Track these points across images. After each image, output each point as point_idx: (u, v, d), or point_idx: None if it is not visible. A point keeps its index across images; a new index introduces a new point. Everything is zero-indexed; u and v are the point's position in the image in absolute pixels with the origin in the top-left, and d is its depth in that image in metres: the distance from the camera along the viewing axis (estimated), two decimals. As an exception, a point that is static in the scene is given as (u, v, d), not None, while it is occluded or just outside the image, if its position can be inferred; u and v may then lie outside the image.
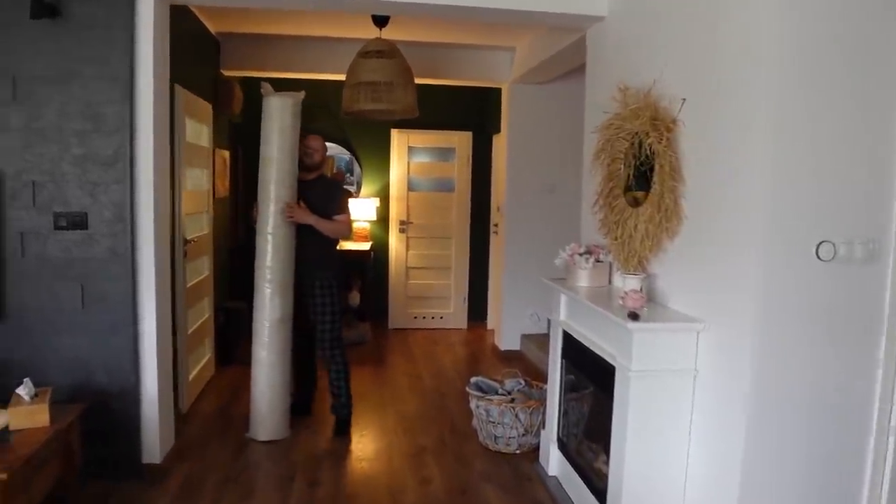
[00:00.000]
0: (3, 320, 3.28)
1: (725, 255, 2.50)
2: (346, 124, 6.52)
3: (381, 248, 7.03)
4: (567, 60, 4.77)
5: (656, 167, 2.88)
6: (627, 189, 3.18)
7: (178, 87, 4.06)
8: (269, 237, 3.90)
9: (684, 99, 2.77)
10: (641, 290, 2.86)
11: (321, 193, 4.09)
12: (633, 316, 2.64)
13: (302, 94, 4.03)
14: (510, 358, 5.97)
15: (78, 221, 3.29)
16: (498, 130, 6.51)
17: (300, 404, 4.37)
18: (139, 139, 3.31)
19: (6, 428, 2.78)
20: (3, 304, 3.28)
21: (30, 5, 3.03)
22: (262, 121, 3.96)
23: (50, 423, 2.86)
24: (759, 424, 2.37)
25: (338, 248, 4.35)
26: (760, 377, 2.35)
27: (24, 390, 2.91)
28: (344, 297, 6.54)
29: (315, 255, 4.06)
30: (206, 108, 4.90)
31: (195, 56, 4.74)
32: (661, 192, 2.86)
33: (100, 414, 3.31)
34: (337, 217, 4.07)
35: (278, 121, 3.91)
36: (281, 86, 6.26)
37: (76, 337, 3.33)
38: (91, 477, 3.29)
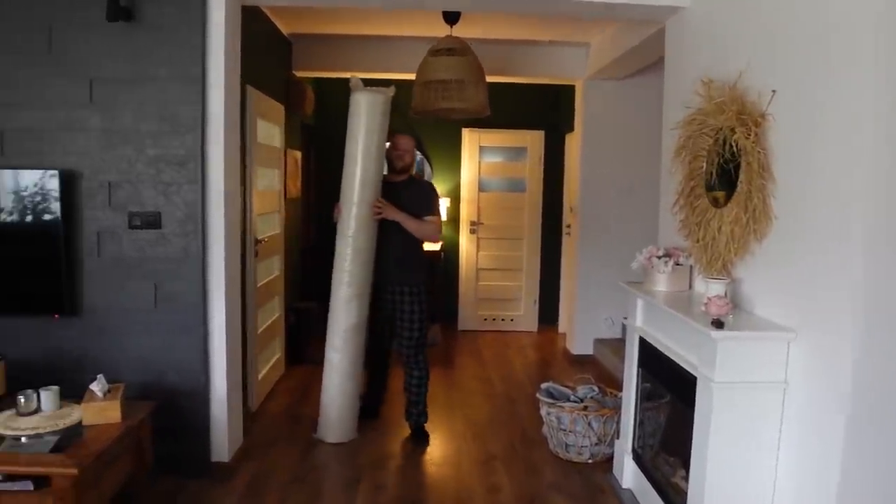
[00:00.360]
0: (79, 317, 3.35)
1: (822, 256, 2.29)
2: (417, 124, 6.47)
3: (451, 249, 6.97)
4: (645, 54, 4.59)
5: (743, 164, 2.69)
6: (710, 188, 3.00)
7: (249, 88, 4.09)
8: (350, 240, 3.78)
9: (774, 91, 2.58)
10: (726, 295, 2.67)
11: (411, 196, 3.96)
12: (718, 323, 2.47)
13: (392, 90, 3.88)
14: (583, 363, 5.79)
15: (152, 221, 3.33)
16: (571, 129, 6.34)
17: (370, 408, 4.32)
18: (210, 140, 3.33)
19: (79, 423, 2.83)
20: (80, 302, 3.35)
21: (106, 8, 3.08)
22: (348, 117, 3.85)
23: (121, 419, 2.90)
24: (860, 442, 2.15)
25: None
26: (862, 389, 2.14)
27: (97, 386, 2.95)
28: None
29: (403, 257, 3.95)
30: (278, 108, 4.93)
31: (267, 57, 4.78)
32: (749, 190, 2.66)
33: (170, 412, 3.34)
34: (427, 218, 3.94)
35: (366, 118, 3.77)
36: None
37: (148, 335, 3.37)
38: (161, 474, 3.33)
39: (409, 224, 3.86)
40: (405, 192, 3.95)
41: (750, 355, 2.46)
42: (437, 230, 4.04)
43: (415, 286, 3.97)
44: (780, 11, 2.62)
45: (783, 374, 2.47)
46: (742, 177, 2.70)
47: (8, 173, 3.22)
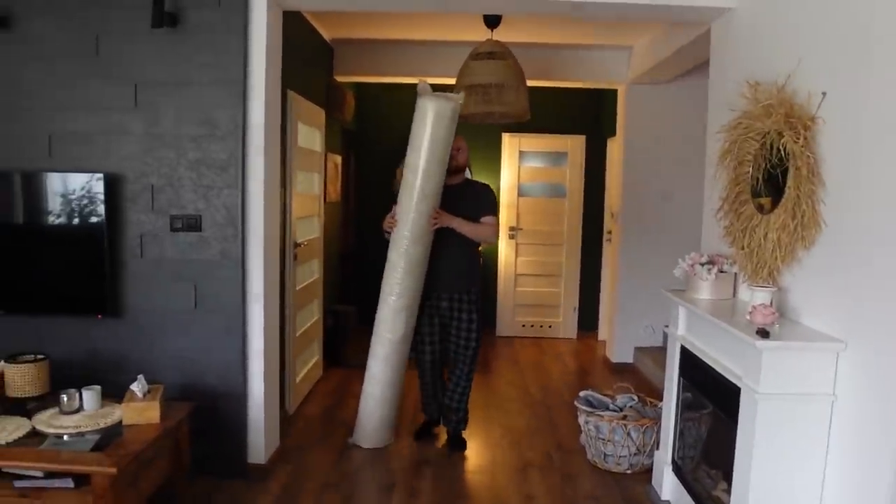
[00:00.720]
0: (121, 318, 3.40)
1: (873, 265, 2.20)
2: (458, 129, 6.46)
3: (490, 255, 6.92)
4: (689, 57, 4.49)
5: (791, 170, 2.60)
6: (755, 194, 2.91)
7: (290, 93, 4.12)
8: (405, 252, 3.64)
9: (824, 93, 2.49)
10: (771, 304, 2.59)
11: (468, 199, 3.85)
12: (763, 333, 2.39)
13: (461, 97, 3.75)
14: (622, 371, 5.70)
15: (192, 224, 3.37)
16: (613, 133, 6.25)
17: (430, 425, 4.20)
18: (251, 144, 3.35)
19: (119, 422, 2.87)
20: (123, 303, 3.41)
21: (151, 14, 3.13)
22: (412, 123, 3.66)
23: (160, 420, 2.93)
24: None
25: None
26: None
27: (137, 387, 2.99)
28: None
29: (462, 265, 3.86)
30: (319, 113, 4.97)
31: (308, 62, 4.81)
32: (797, 196, 2.58)
33: (209, 413, 3.37)
34: (484, 219, 3.82)
35: (432, 127, 3.57)
36: (396, 91, 6.40)
37: (188, 337, 3.41)
38: (198, 474, 3.35)
39: (465, 228, 3.74)
40: (461, 195, 3.84)
41: (796, 366, 2.38)
42: (494, 231, 3.89)
43: (472, 293, 3.89)
44: (830, 11, 2.53)
45: (831, 387, 2.38)
46: (790, 182, 2.62)
47: (55, 176, 3.29)
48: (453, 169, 3.81)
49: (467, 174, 6.78)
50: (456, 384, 3.97)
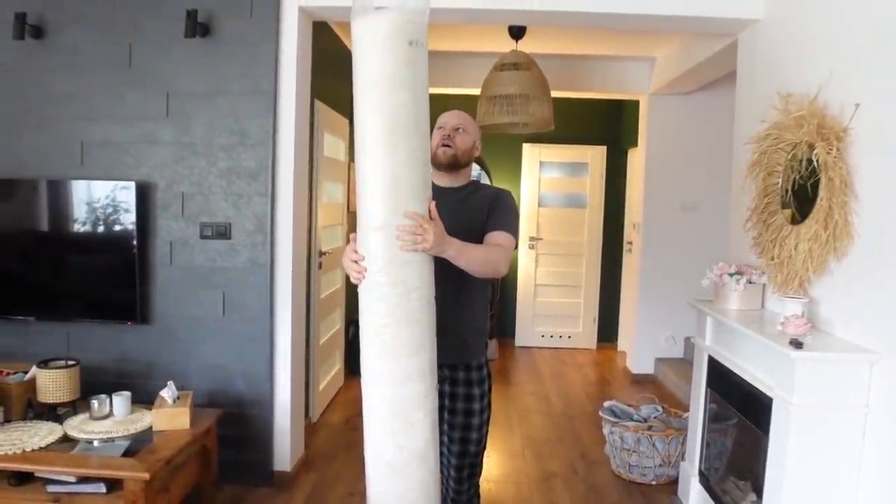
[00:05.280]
0: (151, 325, 3.44)
1: (908, 279, 2.20)
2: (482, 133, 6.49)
3: (510, 265, 6.92)
4: (715, 68, 4.49)
5: (823, 180, 2.60)
6: (785, 205, 2.91)
7: (318, 103, 4.16)
8: (380, 286, 2.03)
9: (857, 104, 2.49)
10: (803, 315, 2.58)
11: (472, 209, 2.30)
12: (796, 343, 2.38)
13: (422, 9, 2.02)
14: (643, 382, 5.67)
15: (222, 232, 3.40)
16: (634, 144, 6.25)
17: None
18: (280, 153, 3.38)
19: (149, 428, 2.89)
20: (153, 310, 3.44)
21: (184, 25, 3.17)
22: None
23: (190, 426, 2.95)
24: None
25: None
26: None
27: (167, 393, 3.02)
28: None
29: (462, 317, 2.30)
30: (343, 122, 5.00)
31: (334, 72, 4.85)
32: (830, 207, 2.57)
33: (236, 420, 3.40)
34: (493, 236, 2.24)
35: (376, 64, 1.94)
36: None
37: (217, 343, 3.43)
38: (225, 481, 3.37)
39: (467, 255, 2.09)
40: (462, 203, 2.31)
41: (830, 377, 2.37)
42: (507, 256, 2.26)
43: (475, 363, 2.37)
44: (863, 21, 2.53)
45: (865, 398, 2.36)
46: (822, 193, 2.61)
47: (88, 184, 3.34)
48: (446, 162, 2.29)
49: (476, 175, 6.87)
50: None
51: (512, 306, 6.96)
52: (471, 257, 2.10)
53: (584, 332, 6.97)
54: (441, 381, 2.27)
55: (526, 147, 6.79)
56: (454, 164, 2.31)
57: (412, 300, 2.02)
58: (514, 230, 2.32)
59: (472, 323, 2.36)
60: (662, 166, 5.63)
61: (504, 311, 6.94)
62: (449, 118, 2.34)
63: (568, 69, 5.54)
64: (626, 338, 6.47)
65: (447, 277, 2.12)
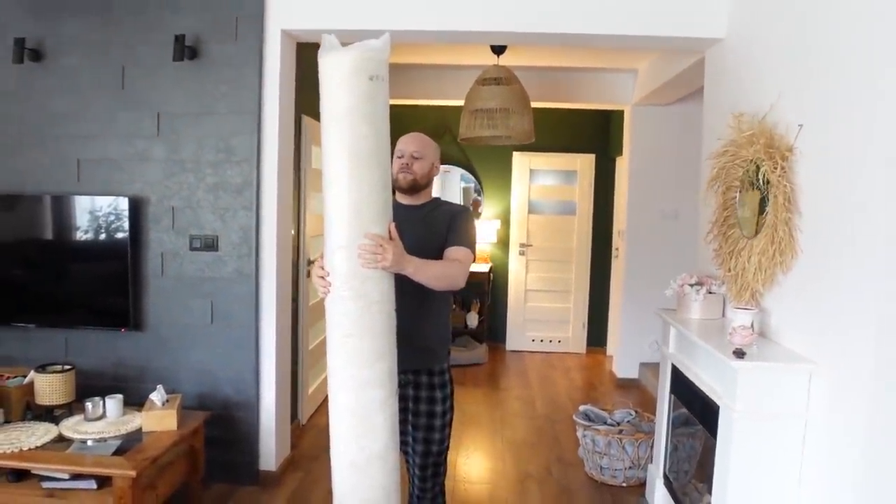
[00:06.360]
0: (143, 331, 3.62)
1: (843, 292, 2.33)
2: (468, 148, 6.66)
3: (500, 270, 7.09)
4: (688, 82, 4.64)
5: (770, 197, 2.75)
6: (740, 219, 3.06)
7: (305, 118, 4.33)
8: (341, 299, 2.23)
9: (801, 125, 2.63)
10: (752, 325, 2.73)
11: (432, 224, 2.50)
12: (739, 353, 2.52)
13: (382, 42, 2.25)
14: (627, 387, 5.83)
15: (210, 243, 3.59)
16: (621, 153, 6.40)
17: None
18: (265, 169, 3.56)
19: (139, 429, 3.08)
20: (145, 317, 3.63)
21: (173, 49, 3.36)
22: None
23: (178, 427, 3.13)
24: (873, 481, 2.18)
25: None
26: (876, 427, 2.17)
27: (156, 396, 3.20)
28: (461, 317, 6.65)
29: (421, 328, 2.48)
30: (333, 135, 5.17)
31: (324, 87, 5.03)
32: (775, 223, 2.72)
33: (224, 422, 3.58)
34: (451, 251, 2.41)
35: (344, 95, 2.15)
36: (405, 113, 6.59)
37: (205, 349, 3.62)
38: (213, 479, 3.55)
39: (426, 272, 2.27)
40: (423, 220, 2.50)
41: (770, 385, 2.50)
42: (465, 271, 2.40)
43: (442, 365, 2.58)
44: (808, 45, 2.65)
45: (804, 406, 2.50)
46: (769, 209, 2.76)
47: (82, 199, 3.53)
48: (406, 186, 2.49)
49: (473, 192, 7.07)
50: None
51: (503, 311, 7.12)
52: (429, 273, 2.30)
53: (573, 337, 7.12)
54: (404, 385, 2.50)
55: (516, 156, 6.95)
56: (414, 188, 2.51)
57: (373, 313, 2.22)
58: (472, 245, 2.50)
59: (434, 332, 2.57)
60: (645, 175, 5.78)
61: (495, 315, 7.10)
62: (406, 145, 2.52)
63: (553, 81, 5.70)
64: (614, 343, 6.62)
65: (410, 291, 2.33)
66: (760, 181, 2.80)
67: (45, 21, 3.54)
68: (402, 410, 2.46)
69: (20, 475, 2.88)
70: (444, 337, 2.62)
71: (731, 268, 3.09)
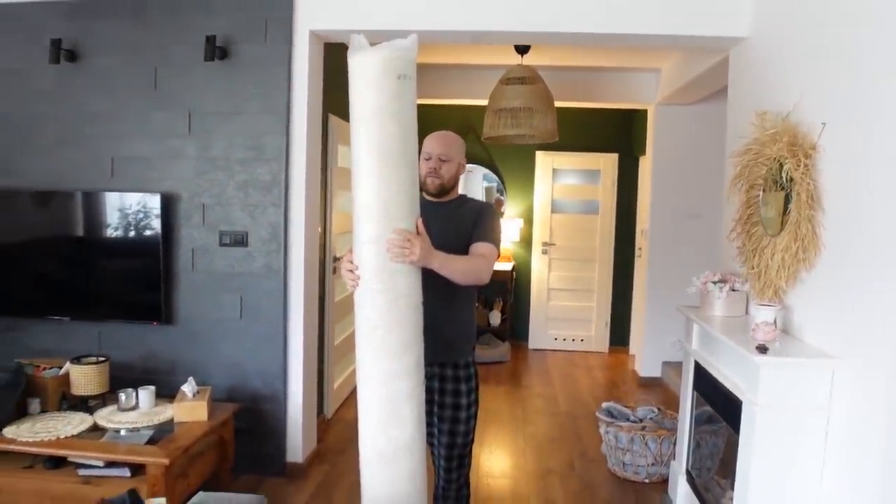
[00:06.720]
0: (175, 325, 3.72)
1: (867, 289, 2.34)
2: (491, 148, 6.70)
3: (523, 269, 7.13)
4: (712, 81, 4.64)
5: (793, 195, 2.76)
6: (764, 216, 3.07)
7: (332, 117, 4.40)
8: (369, 292, 2.26)
9: (824, 123, 2.64)
10: (775, 322, 2.74)
11: (458, 220, 2.56)
12: (762, 349, 2.54)
13: (411, 42, 2.27)
14: (650, 385, 5.83)
15: (240, 239, 3.67)
16: (644, 152, 6.41)
17: None
18: (293, 166, 3.64)
19: (171, 420, 3.17)
20: (176, 311, 3.72)
21: (204, 49, 3.45)
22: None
23: (208, 418, 3.22)
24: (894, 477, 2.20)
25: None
26: (897, 423, 2.18)
27: (188, 388, 3.29)
28: (484, 315, 6.70)
29: (447, 322, 2.53)
30: (358, 134, 5.24)
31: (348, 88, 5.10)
32: (798, 220, 2.73)
33: (252, 414, 3.66)
34: (477, 247, 2.48)
35: (373, 94, 2.20)
36: (430, 112, 6.64)
37: (234, 343, 3.70)
38: (241, 471, 3.63)
39: (452, 266, 2.34)
40: (450, 216, 2.56)
41: (793, 381, 2.51)
42: (490, 266, 2.48)
43: (467, 359, 2.63)
44: (832, 43, 2.67)
45: (826, 401, 2.51)
46: (792, 206, 2.77)
47: (118, 195, 3.63)
48: (434, 190, 2.56)
49: (496, 192, 7.10)
50: (444, 500, 2.69)
51: (525, 310, 7.15)
52: (454, 268, 2.37)
53: (596, 336, 7.14)
54: (430, 378, 2.54)
55: (539, 155, 6.97)
56: (442, 192, 2.58)
57: (400, 306, 2.27)
58: (496, 242, 2.56)
59: (459, 326, 2.62)
60: (668, 175, 5.78)
61: (518, 314, 7.14)
62: (433, 147, 2.56)
63: (576, 80, 5.72)
64: (636, 342, 6.63)
65: (436, 286, 2.37)
66: (784, 179, 2.82)
67: (81, 22, 3.65)
68: (428, 403, 2.53)
69: (57, 462, 2.98)
70: (470, 331, 2.67)
71: (755, 265, 3.11)
